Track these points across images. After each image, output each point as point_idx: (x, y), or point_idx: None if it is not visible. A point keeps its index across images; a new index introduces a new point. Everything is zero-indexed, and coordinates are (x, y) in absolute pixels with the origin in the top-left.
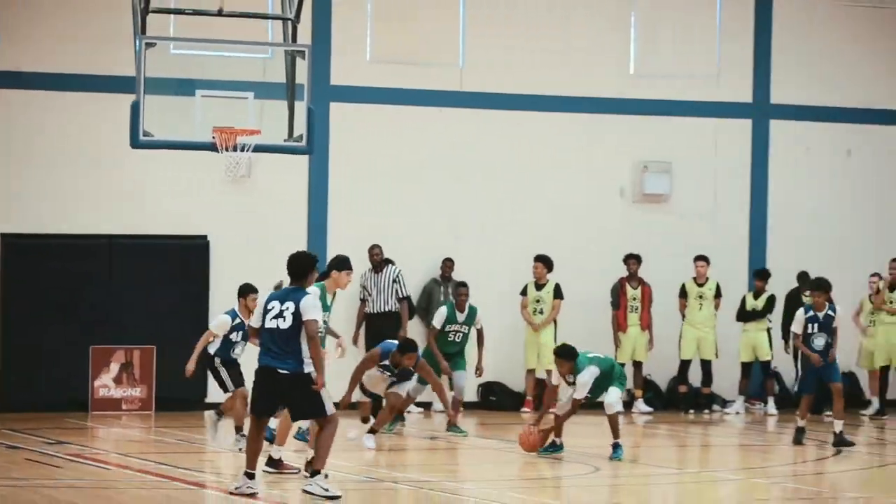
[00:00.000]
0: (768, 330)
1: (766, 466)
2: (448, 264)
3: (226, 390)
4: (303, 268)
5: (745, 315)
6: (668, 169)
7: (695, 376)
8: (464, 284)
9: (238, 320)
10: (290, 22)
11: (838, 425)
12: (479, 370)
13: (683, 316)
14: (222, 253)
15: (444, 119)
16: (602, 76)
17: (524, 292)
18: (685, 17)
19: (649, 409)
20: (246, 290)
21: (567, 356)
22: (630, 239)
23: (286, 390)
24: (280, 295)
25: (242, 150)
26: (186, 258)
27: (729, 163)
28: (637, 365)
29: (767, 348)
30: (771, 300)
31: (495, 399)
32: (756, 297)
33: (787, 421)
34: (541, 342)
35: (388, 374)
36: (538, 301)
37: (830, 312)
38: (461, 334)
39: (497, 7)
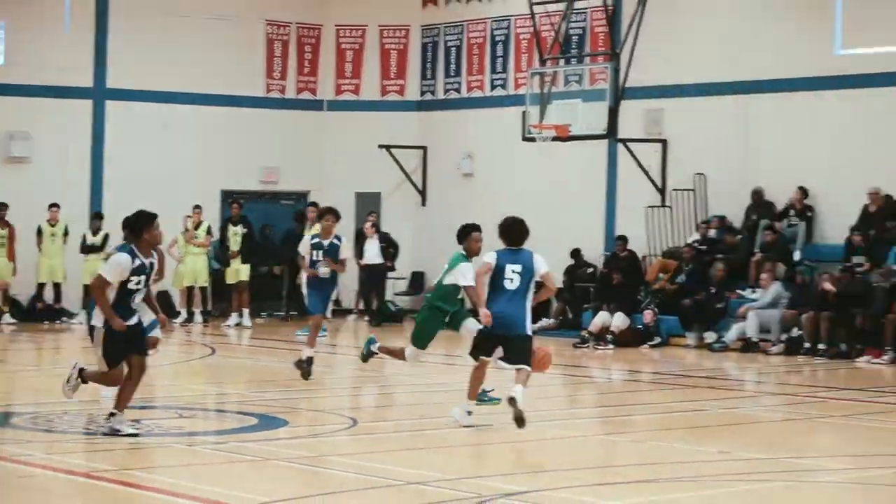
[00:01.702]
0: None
1: None
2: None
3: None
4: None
5: (86, 248)
6: (29, 137)
7: (49, 295)
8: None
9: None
10: None
11: (307, 351)
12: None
13: (40, 249)
14: None
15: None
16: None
17: None
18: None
19: (14, 321)
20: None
21: None
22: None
23: None
24: None
25: None
26: None
27: (73, 135)
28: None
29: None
30: (106, 237)
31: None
32: (95, 234)
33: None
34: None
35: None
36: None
37: (336, 241)
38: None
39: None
